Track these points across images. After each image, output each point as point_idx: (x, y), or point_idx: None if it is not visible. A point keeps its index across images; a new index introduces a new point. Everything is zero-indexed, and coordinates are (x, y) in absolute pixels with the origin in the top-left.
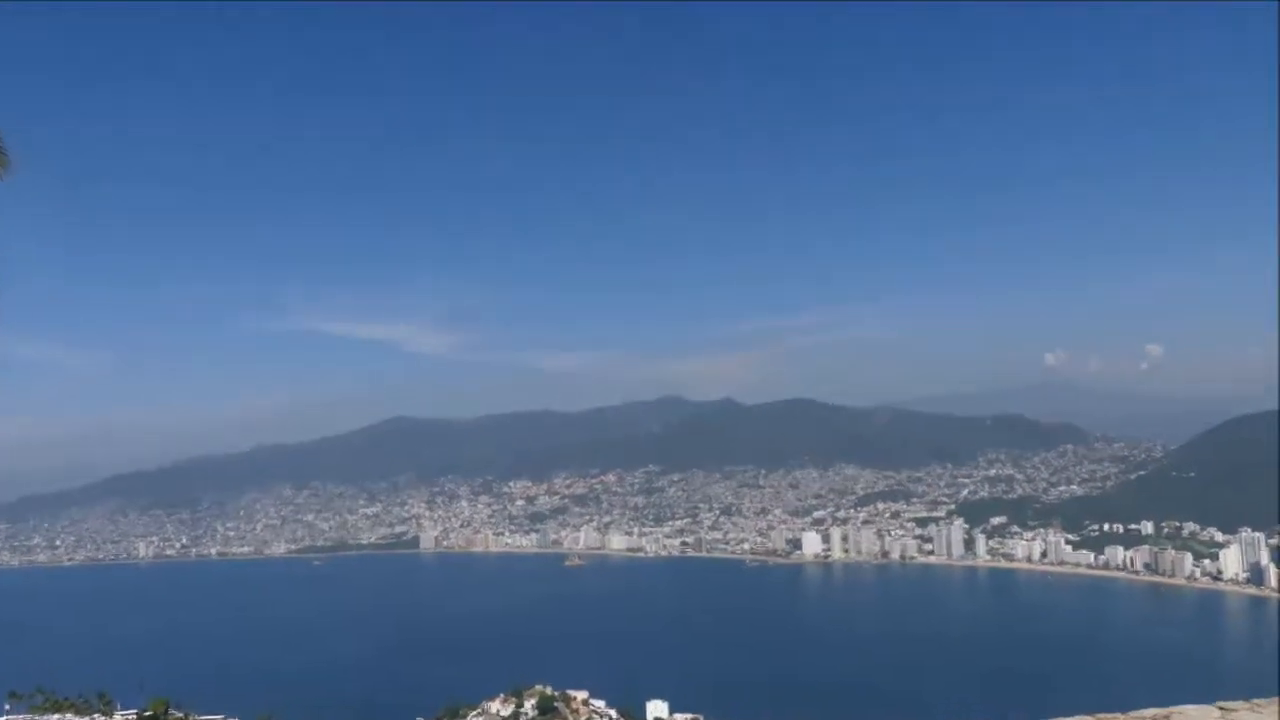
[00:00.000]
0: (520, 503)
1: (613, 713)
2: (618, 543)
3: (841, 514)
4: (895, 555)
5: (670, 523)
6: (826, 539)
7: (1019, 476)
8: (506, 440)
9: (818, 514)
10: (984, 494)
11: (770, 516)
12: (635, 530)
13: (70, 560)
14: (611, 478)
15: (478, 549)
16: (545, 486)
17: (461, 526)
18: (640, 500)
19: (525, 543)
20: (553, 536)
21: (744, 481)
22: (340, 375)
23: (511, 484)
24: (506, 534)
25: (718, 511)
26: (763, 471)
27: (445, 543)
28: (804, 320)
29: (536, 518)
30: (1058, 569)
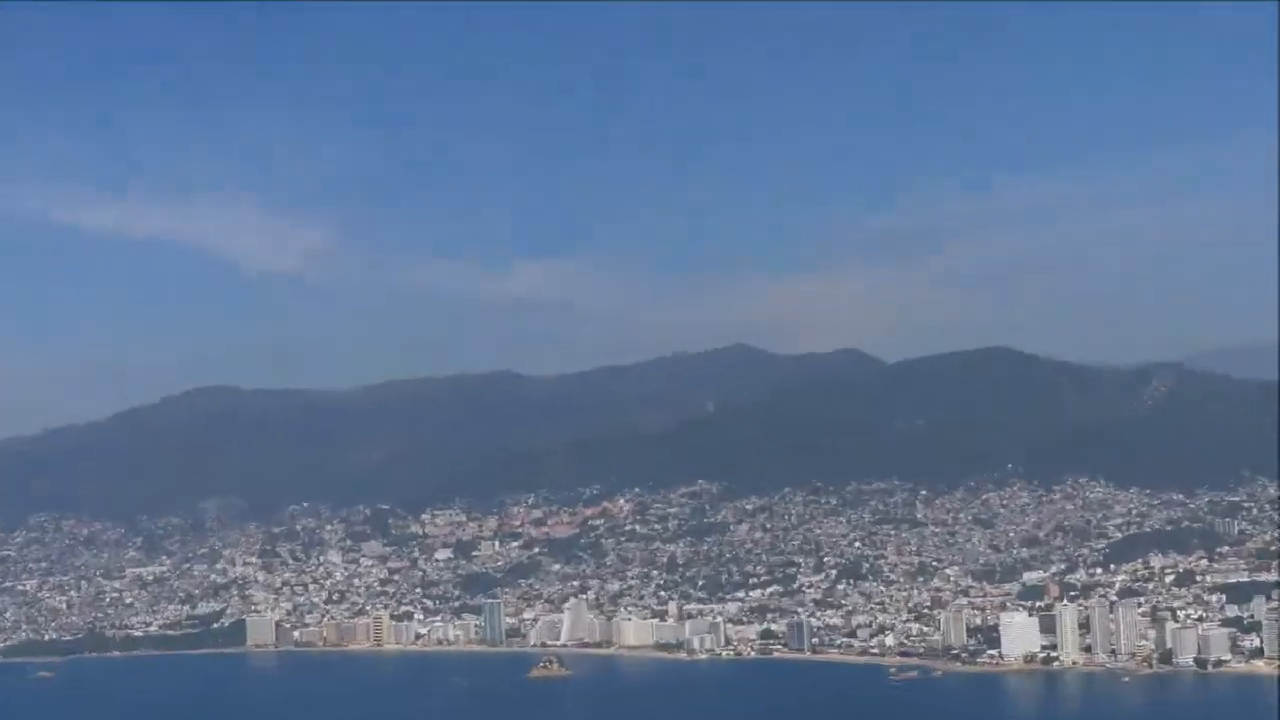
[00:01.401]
0: (444, 555)
1: None
2: (636, 633)
3: (1079, 575)
4: (1186, 657)
5: (738, 594)
6: (1050, 625)
7: None
8: (418, 433)
9: (1031, 576)
10: None
11: (936, 580)
12: (671, 606)
13: None
14: (623, 505)
15: (361, 646)
16: (496, 523)
17: (330, 603)
18: (680, 549)
19: (455, 633)
20: (508, 620)
21: (883, 512)
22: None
23: (428, 517)
24: (419, 616)
25: (833, 570)
26: (921, 493)
27: (297, 634)
28: (1006, 199)
29: (477, 584)
30: None
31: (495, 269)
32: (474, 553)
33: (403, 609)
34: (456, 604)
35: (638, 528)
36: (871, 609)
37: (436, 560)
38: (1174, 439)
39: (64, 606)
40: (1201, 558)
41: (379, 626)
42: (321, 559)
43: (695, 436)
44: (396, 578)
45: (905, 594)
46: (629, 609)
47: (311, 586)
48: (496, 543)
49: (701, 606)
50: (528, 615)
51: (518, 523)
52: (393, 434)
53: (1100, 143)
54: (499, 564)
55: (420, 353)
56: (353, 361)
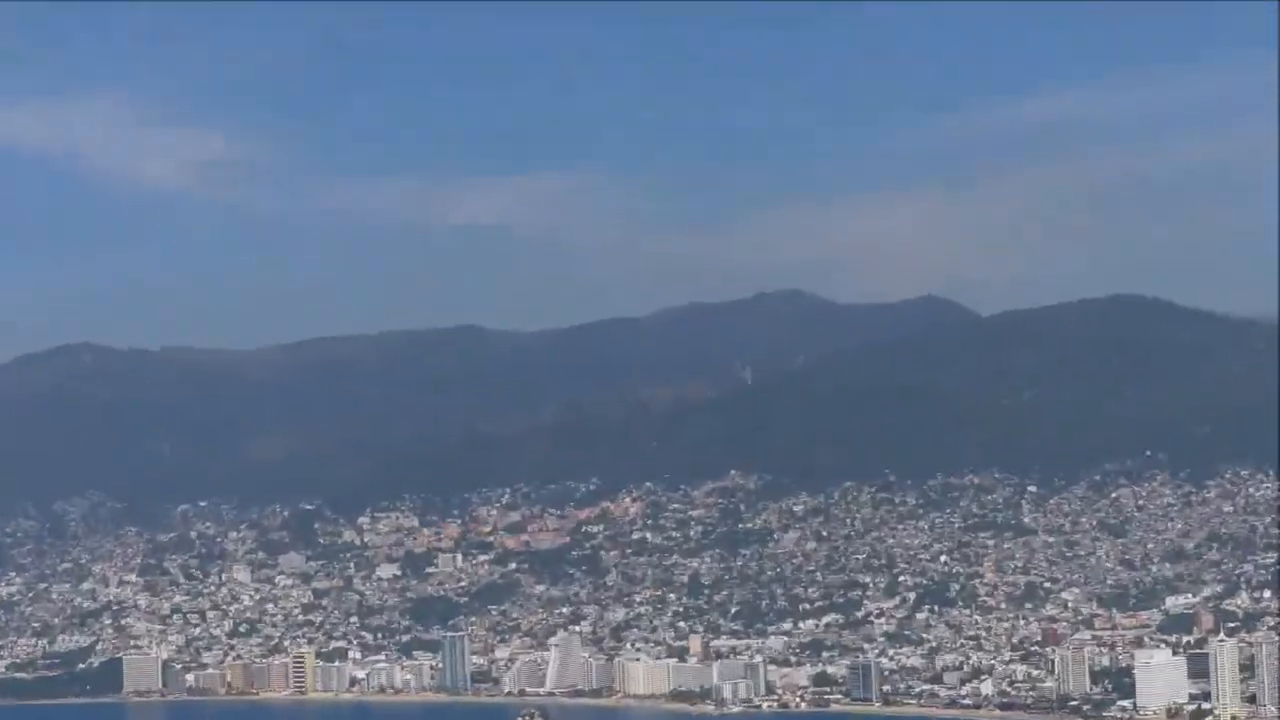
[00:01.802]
0: (389, 572)
1: None
2: (647, 677)
3: (1240, 600)
4: None
5: (784, 625)
6: (1203, 666)
7: None
8: (351, 408)
9: (1176, 602)
10: None
11: (1050, 607)
12: (694, 642)
13: None
14: (629, 505)
15: (277, 693)
16: (457, 529)
17: (235, 636)
18: (706, 565)
19: (404, 678)
20: (474, 660)
21: (979, 515)
22: None
23: (367, 521)
24: (355, 654)
25: (910, 593)
26: (1030, 489)
27: (191, 678)
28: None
29: (432, 611)
30: None
31: (451, 189)
32: (428, 569)
33: (333, 644)
34: (405, 638)
35: (649, 536)
36: (962, 645)
37: (378, 579)
38: None
39: None
40: None
41: (301, 668)
42: (224, 578)
43: (726, 414)
44: (325, 603)
45: (1008, 625)
46: (637, 645)
47: (211, 614)
48: (458, 556)
49: (735, 642)
50: (501, 654)
51: (487, 529)
52: (317, 409)
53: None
54: (462, 584)
55: (351, 301)
56: (261, 311)
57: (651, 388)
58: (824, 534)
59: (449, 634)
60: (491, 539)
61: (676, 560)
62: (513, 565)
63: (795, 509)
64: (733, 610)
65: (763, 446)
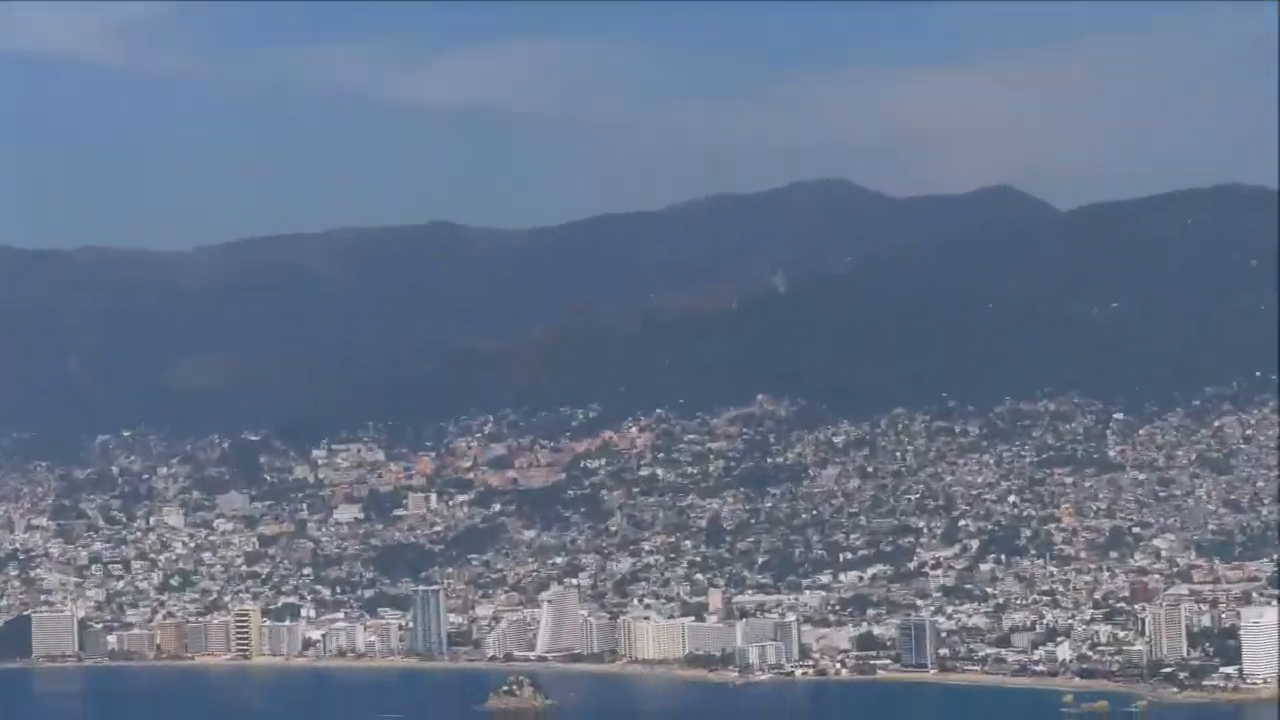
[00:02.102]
0: (349, 515)
1: None
2: (658, 639)
3: None
4: None
5: (821, 577)
6: None
7: None
8: (303, 321)
9: None
10: None
11: (1139, 556)
12: (713, 597)
13: None
14: (636, 435)
15: (216, 659)
16: (431, 463)
17: (166, 590)
18: (729, 506)
19: (368, 640)
20: (452, 619)
21: (1055, 448)
22: None
23: (322, 455)
24: (308, 612)
25: (973, 540)
26: (1116, 417)
27: (114, 640)
28: None
29: (401, 561)
30: None
31: (421, 58)
32: (396, 511)
33: (283, 601)
34: (369, 593)
35: (660, 472)
36: (1035, 602)
37: (337, 523)
38: None
39: None
40: None
41: (245, 628)
42: (152, 521)
43: (753, 326)
44: (272, 551)
45: (1089, 579)
46: (645, 602)
47: (136, 565)
48: (432, 496)
49: (762, 598)
50: (483, 612)
51: (466, 464)
52: (261, 322)
53: None
54: (436, 529)
55: (300, 194)
56: (193, 205)
57: (664, 295)
58: (869, 470)
59: (421, 588)
60: (471, 476)
61: (693, 501)
62: (497, 507)
63: (835, 440)
64: (760, 560)
65: (797, 365)
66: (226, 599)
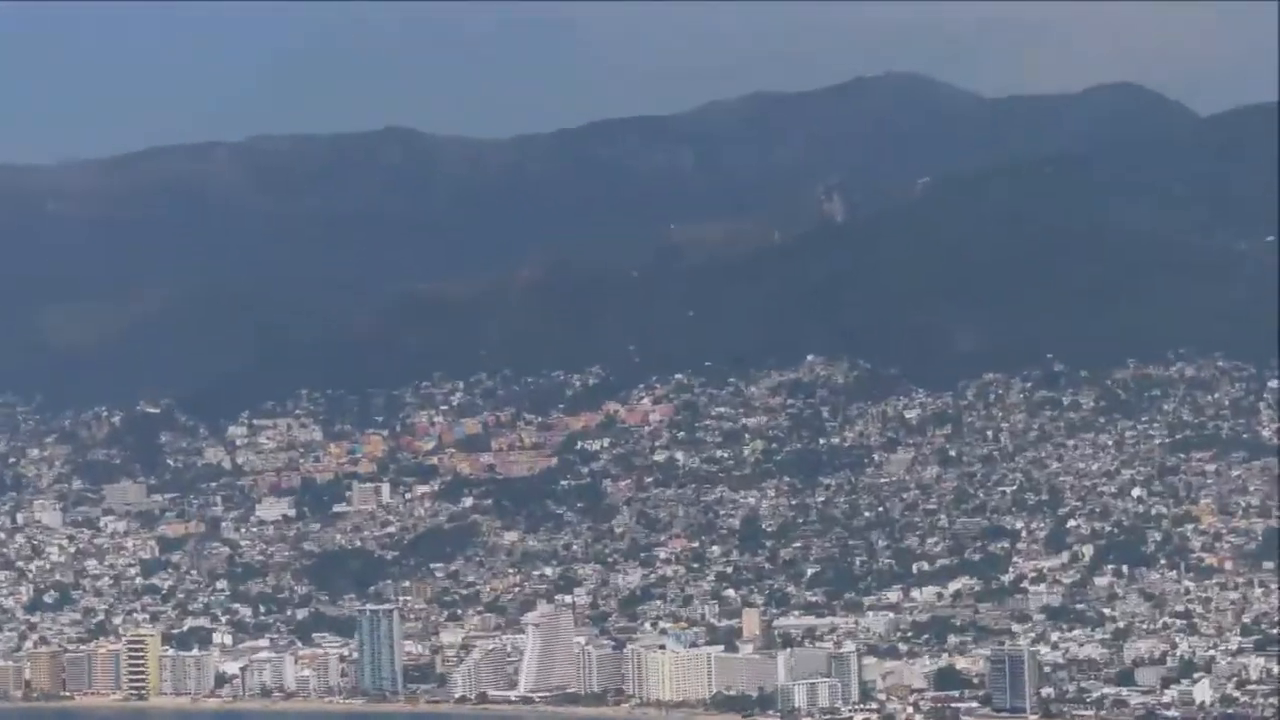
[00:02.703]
0: (275, 510)
1: None
2: (675, 673)
3: None
4: None
5: (888, 594)
6: None
7: None
8: (214, 255)
9: None
10: None
11: None
12: (749, 620)
13: None
14: (647, 408)
15: (104, 699)
16: (384, 443)
17: (39, 607)
18: (769, 501)
19: (301, 674)
20: (406, 645)
21: (1194, 425)
22: None
23: (241, 430)
24: (222, 638)
25: (1086, 545)
26: (1273, 383)
27: None
28: None
29: (342, 572)
30: None
31: None
32: (338, 507)
33: (191, 623)
34: (302, 614)
35: (679, 456)
36: (1166, 627)
37: (260, 522)
38: None
39: None
40: None
41: (140, 659)
42: (19, 519)
43: (801, 266)
44: (177, 559)
45: (1236, 596)
46: (661, 626)
47: (0, 576)
48: (384, 487)
49: (813, 621)
50: (450, 639)
51: (428, 445)
52: (157, 258)
53: None
54: (390, 530)
55: (213, 91)
56: (66, 109)
57: (687, 226)
58: (952, 454)
59: (369, 608)
60: (435, 460)
61: (722, 494)
62: (469, 501)
63: (907, 415)
64: (809, 572)
65: (857, 317)
66: (116, 621)
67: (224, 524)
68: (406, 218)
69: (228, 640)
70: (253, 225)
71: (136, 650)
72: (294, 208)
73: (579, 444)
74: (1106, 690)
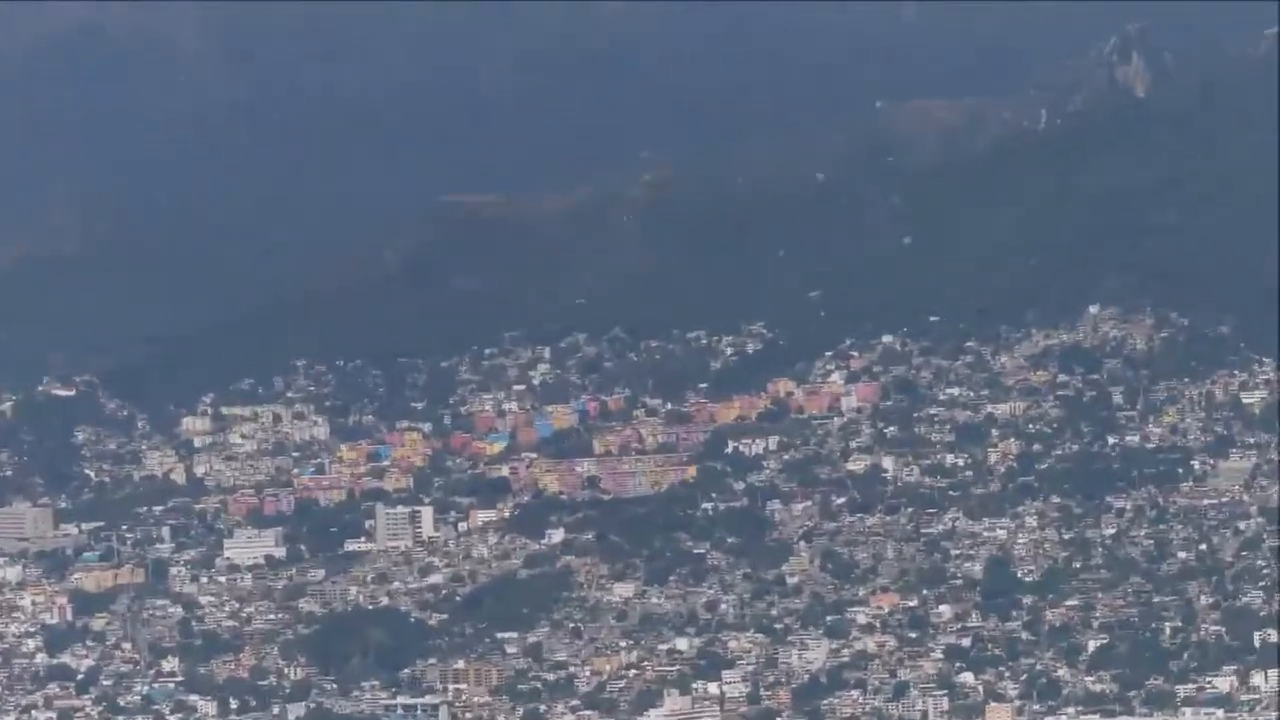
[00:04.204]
0: (252, 551)
1: None
2: None
3: None
4: None
5: (1207, 676)
6: None
7: None
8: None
9: None
10: None
11: None
12: (1001, 712)
13: None
14: (839, 388)
15: None
16: (422, 438)
17: None
18: (1026, 530)
19: None
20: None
21: None
22: None
23: (202, 419)
24: None
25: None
26: None
27: None
28: None
29: (351, 640)
30: None
31: None
32: (353, 543)
33: (127, 697)
34: (297, 709)
35: (887, 464)
36: None
37: (229, 564)
38: None
39: None
40: None
41: None
42: None
43: (1076, 163)
44: (101, 624)
45: None
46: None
47: None
48: (426, 512)
49: None
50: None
51: (495, 448)
52: (75, 154)
53: None
54: (433, 580)
55: None
56: None
57: (900, 105)
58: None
59: (403, 701)
60: (505, 471)
61: (956, 524)
62: (557, 535)
63: (1246, 400)
64: (1091, 646)
65: (1168, 247)
66: (8, 717)
67: (175, 570)
68: (458, 95)
69: None
70: (217, 109)
71: None
72: (283, 82)
73: (731, 445)
74: None
